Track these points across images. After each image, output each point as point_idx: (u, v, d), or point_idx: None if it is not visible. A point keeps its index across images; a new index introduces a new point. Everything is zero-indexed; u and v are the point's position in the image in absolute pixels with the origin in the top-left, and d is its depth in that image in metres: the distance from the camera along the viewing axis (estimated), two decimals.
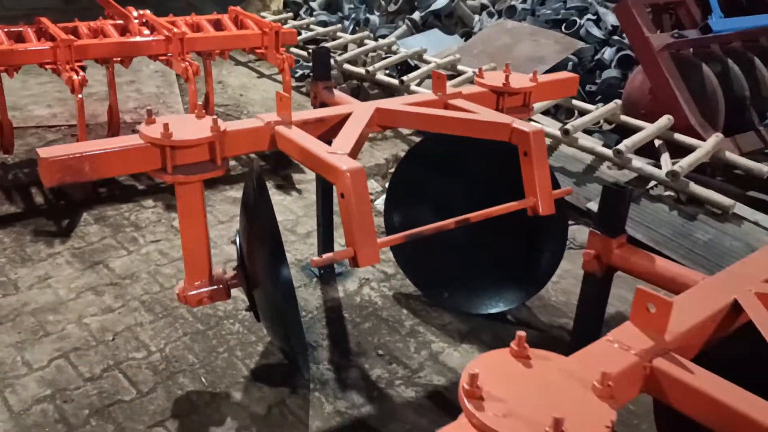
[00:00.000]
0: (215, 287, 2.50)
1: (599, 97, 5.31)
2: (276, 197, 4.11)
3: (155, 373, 2.65)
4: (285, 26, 5.32)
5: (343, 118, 2.54)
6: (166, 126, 2.15)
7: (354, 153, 2.26)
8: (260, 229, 2.35)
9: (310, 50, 6.08)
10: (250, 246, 2.43)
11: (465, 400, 1.19)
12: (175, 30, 3.95)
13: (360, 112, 2.58)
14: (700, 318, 1.54)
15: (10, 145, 4.08)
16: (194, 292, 2.47)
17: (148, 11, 4.32)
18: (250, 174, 2.40)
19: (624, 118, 4.51)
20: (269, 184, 4.24)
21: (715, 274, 1.79)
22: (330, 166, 2.12)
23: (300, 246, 3.61)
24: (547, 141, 4.37)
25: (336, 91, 2.98)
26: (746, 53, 4.92)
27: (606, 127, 5.09)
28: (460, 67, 5.31)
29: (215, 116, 2.29)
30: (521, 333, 1.33)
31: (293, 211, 3.98)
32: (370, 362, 2.80)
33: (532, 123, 2.67)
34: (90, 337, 2.82)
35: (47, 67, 3.71)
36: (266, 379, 2.66)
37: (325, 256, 2.03)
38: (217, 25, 4.50)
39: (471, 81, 4.60)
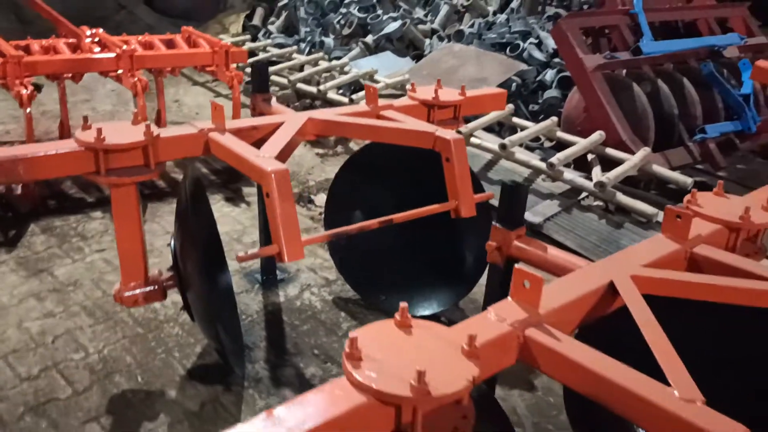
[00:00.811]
0: (151, 288, 2.60)
1: (542, 116, 5.55)
2: (225, 209, 4.23)
3: (92, 372, 2.73)
4: (244, 47, 5.49)
5: (276, 127, 2.69)
6: (99, 131, 2.28)
7: (282, 157, 2.41)
8: (192, 232, 2.47)
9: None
10: (183, 248, 2.54)
11: (345, 361, 1.33)
12: (125, 47, 4.07)
13: (292, 121, 2.73)
14: (575, 296, 1.70)
15: None
16: (130, 293, 2.57)
17: (101, 30, 4.45)
18: (184, 178, 2.53)
19: (560, 134, 4.74)
20: (219, 197, 4.36)
21: (598, 260, 1.96)
22: (257, 168, 2.26)
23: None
24: (488, 156, 4.58)
25: (273, 103, 3.13)
26: (676, 74, 5.21)
27: (547, 144, 5.32)
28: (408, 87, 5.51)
29: (148, 122, 2.42)
30: (403, 304, 1.47)
31: (240, 222, 4.09)
32: (305, 361, 2.91)
33: (457, 133, 2.83)
34: (29, 340, 2.88)
35: None
36: (201, 378, 2.75)
37: (250, 251, 2.16)
38: (170, 44, 4.64)
39: None
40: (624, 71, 5.17)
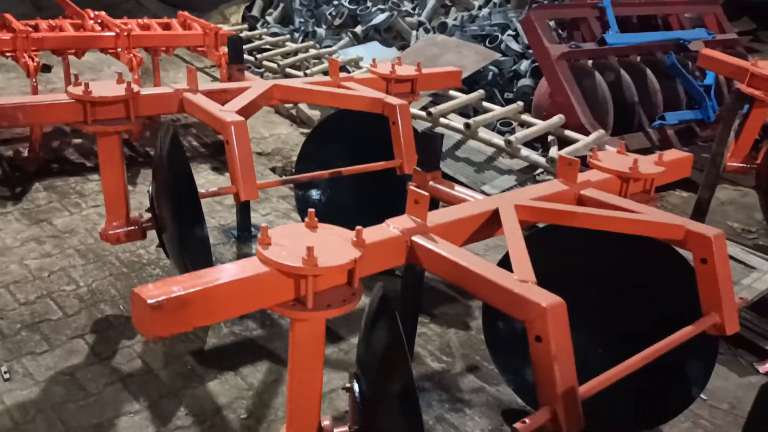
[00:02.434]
0: (132, 228, 3.01)
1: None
2: (210, 176, 4.64)
3: (81, 301, 3.14)
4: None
5: (243, 90, 3.09)
6: (87, 85, 2.69)
7: (244, 113, 2.81)
8: (164, 179, 2.86)
9: (257, 56, 6.67)
10: (158, 193, 2.94)
11: (258, 246, 1.71)
12: (123, 26, 4.50)
13: (258, 86, 3.13)
14: (461, 216, 2.09)
15: None
16: (113, 231, 2.98)
17: (104, 12, 4.88)
18: (161, 132, 2.93)
19: (524, 116, 5.11)
20: (206, 166, 4.77)
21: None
22: (219, 120, 2.66)
23: (224, 214, 4.13)
24: (457, 136, 4.95)
25: (247, 73, 3.53)
26: (639, 64, 5.56)
27: (519, 129, 5.68)
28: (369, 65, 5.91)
29: (129, 80, 2.82)
30: (311, 210, 1.86)
31: None
32: None
33: (401, 100, 3.17)
34: (28, 274, 3.30)
35: (7, 54, 4.24)
36: None
37: (210, 190, 2.57)
38: (166, 27, 5.06)
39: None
40: (591, 61, 5.53)
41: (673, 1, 6.47)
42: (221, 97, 3.04)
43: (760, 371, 3.10)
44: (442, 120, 4.92)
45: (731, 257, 3.60)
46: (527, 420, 1.57)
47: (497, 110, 5.06)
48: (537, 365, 1.65)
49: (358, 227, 1.78)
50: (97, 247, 3.59)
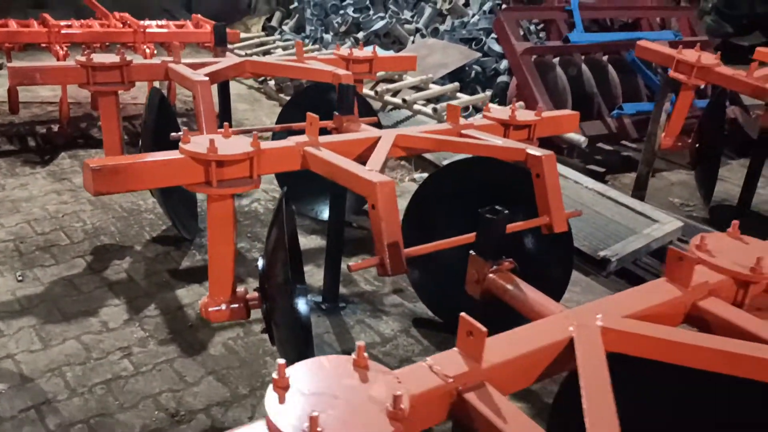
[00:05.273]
0: None
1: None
2: None
3: (86, 234, 3.89)
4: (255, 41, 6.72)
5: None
6: (89, 55, 3.45)
7: (213, 78, 3.51)
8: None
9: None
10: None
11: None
12: (141, 25, 5.33)
13: (230, 60, 3.86)
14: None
15: (16, 108, 5.45)
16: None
17: (127, 14, 5.73)
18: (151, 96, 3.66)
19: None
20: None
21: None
22: (189, 80, 3.37)
23: None
24: (426, 119, 5.60)
25: (228, 53, 4.27)
26: (602, 61, 6.12)
27: (478, 115, 6.29)
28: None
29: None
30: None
31: None
32: (240, 239, 3.98)
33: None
34: (47, 215, 4.07)
35: (42, 45, 5.10)
36: (161, 242, 3.87)
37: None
38: (180, 27, 5.88)
39: (388, 80, 6.03)
40: (558, 58, 6.10)
41: (647, 6, 7.02)
42: (198, 67, 3.77)
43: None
44: (415, 106, 5.58)
45: (640, 213, 4.16)
46: (360, 261, 2.19)
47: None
48: (373, 227, 2.27)
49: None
50: (105, 197, 4.35)
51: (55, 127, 5.13)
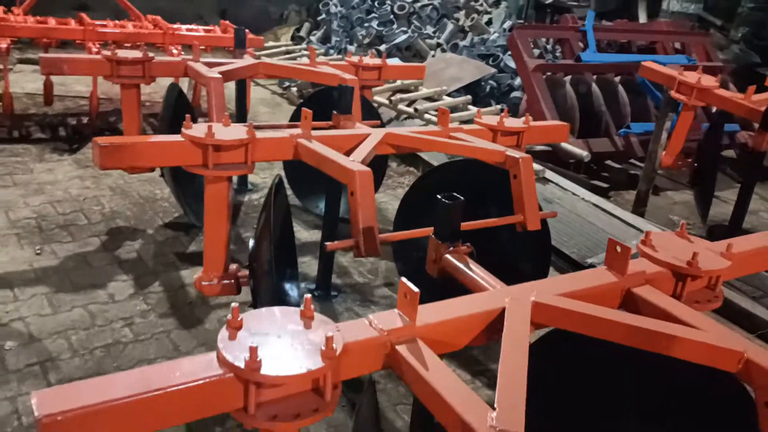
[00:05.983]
0: None
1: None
2: None
3: (103, 216, 4.16)
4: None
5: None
6: (114, 50, 3.73)
7: (226, 76, 3.77)
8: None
9: None
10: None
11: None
12: (171, 27, 5.64)
13: (246, 61, 4.11)
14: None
15: (50, 100, 5.80)
16: None
17: (159, 17, 6.06)
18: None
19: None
20: None
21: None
22: (204, 77, 3.63)
23: None
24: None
25: (246, 56, 4.53)
26: (612, 82, 6.27)
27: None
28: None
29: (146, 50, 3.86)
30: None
31: None
32: (244, 229, 4.22)
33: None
34: (69, 197, 4.37)
35: (78, 42, 5.44)
36: (172, 227, 4.12)
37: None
38: (207, 31, 6.19)
39: (404, 90, 6.30)
40: (569, 76, 6.27)
41: (662, 30, 7.15)
42: (215, 66, 4.03)
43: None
44: (426, 116, 5.79)
45: (631, 225, 4.30)
46: (336, 242, 2.40)
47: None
48: (351, 212, 2.47)
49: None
50: (124, 184, 4.63)
51: (85, 120, 5.46)
